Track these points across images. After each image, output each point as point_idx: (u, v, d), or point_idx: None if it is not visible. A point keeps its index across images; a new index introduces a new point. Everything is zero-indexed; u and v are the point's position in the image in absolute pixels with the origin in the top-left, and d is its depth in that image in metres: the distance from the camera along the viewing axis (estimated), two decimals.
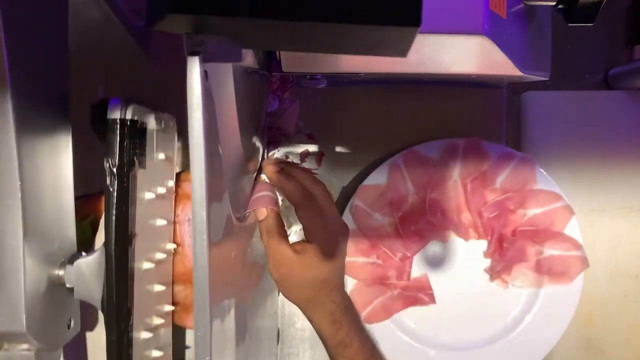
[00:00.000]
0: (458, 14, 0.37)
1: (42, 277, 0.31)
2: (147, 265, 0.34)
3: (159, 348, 0.36)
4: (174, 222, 0.38)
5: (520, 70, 0.43)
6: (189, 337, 0.45)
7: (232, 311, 0.37)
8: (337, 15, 0.21)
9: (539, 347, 0.58)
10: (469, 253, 0.60)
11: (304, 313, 0.48)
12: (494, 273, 0.59)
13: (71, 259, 0.32)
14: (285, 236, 0.45)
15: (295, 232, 0.63)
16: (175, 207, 0.39)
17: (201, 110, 0.25)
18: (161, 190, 0.36)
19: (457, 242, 0.60)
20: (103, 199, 0.32)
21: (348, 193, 0.62)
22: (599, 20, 0.39)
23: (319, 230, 0.45)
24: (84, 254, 0.33)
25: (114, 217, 0.31)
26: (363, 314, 0.58)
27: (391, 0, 0.21)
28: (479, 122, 0.61)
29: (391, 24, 0.21)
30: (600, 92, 0.63)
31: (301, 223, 0.46)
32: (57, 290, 0.32)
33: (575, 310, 0.58)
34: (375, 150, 0.62)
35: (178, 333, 0.43)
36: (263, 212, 0.46)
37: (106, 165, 0.31)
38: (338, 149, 0.63)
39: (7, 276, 0.28)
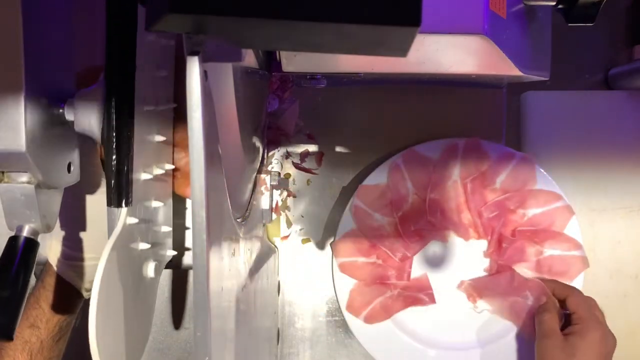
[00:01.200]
0: (458, 14, 0.37)
1: (42, 109, 0.30)
2: (147, 107, 0.33)
3: (158, 199, 0.35)
4: (175, 84, 0.37)
5: (520, 70, 0.43)
6: (189, 217, 0.44)
7: (232, 311, 0.37)
8: (337, 15, 0.21)
9: None
10: (469, 253, 0.60)
11: None
12: (494, 273, 0.59)
13: (72, 96, 0.32)
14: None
15: (295, 232, 0.63)
16: (176, 67, 0.38)
17: (201, 110, 0.25)
18: (163, 41, 0.35)
19: (457, 242, 0.60)
20: (102, 71, 0.31)
21: (348, 193, 0.62)
22: (599, 20, 0.39)
23: (585, 315, 0.52)
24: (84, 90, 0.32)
25: (117, 43, 0.30)
26: (363, 313, 0.58)
27: (391, 0, 0.21)
28: (479, 122, 0.61)
29: (391, 24, 0.21)
30: (600, 92, 0.63)
31: (570, 310, 0.54)
32: (57, 128, 0.31)
33: None
34: (375, 150, 0.62)
35: (178, 215, 0.41)
36: (543, 297, 0.55)
37: None
38: (338, 149, 0.63)
39: (7, 102, 0.28)
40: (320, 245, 0.63)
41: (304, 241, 0.63)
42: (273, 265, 0.60)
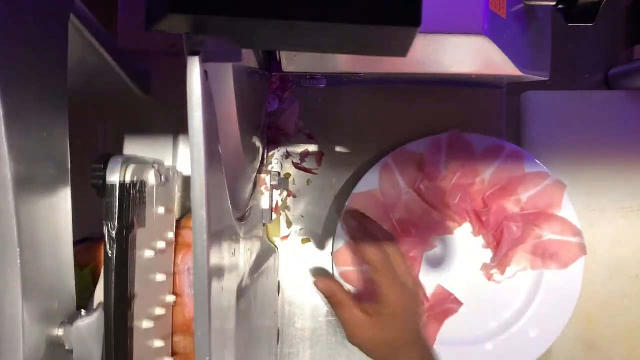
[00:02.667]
0: (458, 14, 0.37)
1: (41, 339, 0.30)
2: (147, 324, 0.34)
3: None
4: (174, 273, 0.38)
5: (520, 70, 0.43)
6: None
7: (232, 311, 0.37)
8: (337, 15, 0.21)
9: (541, 341, 0.58)
10: (469, 248, 0.60)
11: None
12: (495, 261, 0.59)
13: (71, 319, 0.32)
14: (354, 303, 0.49)
15: (295, 232, 0.63)
16: (175, 256, 0.38)
17: (201, 110, 0.25)
18: (161, 245, 0.36)
19: (457, 239, 0.60)
20: (102, 247, 0.32)
21: (348, 193, 0.62)
22: (599, 20, 0.39)
23: (391, 291, 0.48)
24: (83, 312, 0.33)
25: (113, 283, 0.31)
26: None
27: (391, 0, 0.21)
28: (479, 122, 0.61)
29: (391, 24, 0.21)
30: (600, 92, 0.63)
31: (377, 284, 0.48)
32: (56, 351, 0.32)
33: (576, 301, 0.58)
34: (375, 151, 0.62)
35: None
36: (330, 288, 0.51)
37: (105, 229, 0.31)
38: (338, 149, 0.63)
39: (5, 341, 0.28)
40: (320, 245, 0.63)
41: (304, 241, 0.63)
42: (273, 265, 0.60)
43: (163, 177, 0.35)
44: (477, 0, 0.36)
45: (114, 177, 0.31)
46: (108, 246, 0.31)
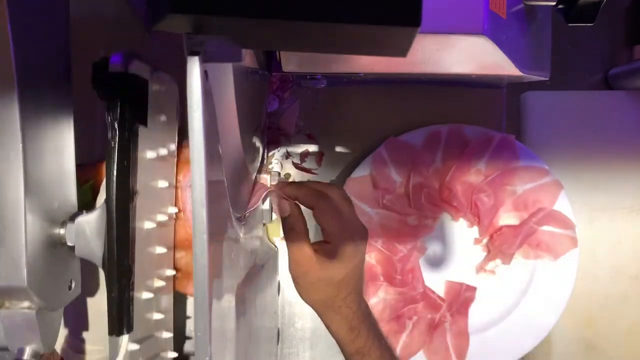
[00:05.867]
0: (458, 14, 0.37)
1: (43, 234, 0.30)
2: (148, 224, 0.34)
3: (160, 311, 0.36)
4: (176, 187, 0.38)
5: (520, 70, 0.43)
6: (190, 306, 0.45)
7: (232, 311, 0.37)
8: (337, 15, 0.21)
9: (539, 328, 0.59)
10: (464, 242, 0.61)
11: (321, 319, 0.47)
12: (482, 234, 0.60)
13: (72, 218, 0.32)
14: (306, 234, 0.45)
15: None
16: (177, 172, 0.38)
17: (201, 110, 0.25)
18: (163, 151, 0.35)
19: (451, 236, 0.60)
20: (103, 165, 0.32)
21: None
22: (599, 20, 0.40)
23: (335, 231, 0.45)
24: (85, 212, 0.33)
25: (115, 172, 0.31)
26: None
27: (391, 0, 0.21)
28: (479, 122, 0.61)
29: (391, 24, 0.21)
30: (600, 92, 0.63)
31: (318, 224, 0.45)
32: (58, 249, 0.32)
33: (572, 287, 0.59)
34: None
35: (179, 302, 0.42)
36: (286, 208, 0.45)
37: (107, 119, 0.31)
38: (338, 149, 0.63)
39: (8, 231, 0.28)
40: None
41: None
42: (273, 265, 0.60)
43: (164, 85, 0.35)
44: (477, 0, 0.36)
45: (116, 68, 0.31)
46: (110, 135, 0.31)
